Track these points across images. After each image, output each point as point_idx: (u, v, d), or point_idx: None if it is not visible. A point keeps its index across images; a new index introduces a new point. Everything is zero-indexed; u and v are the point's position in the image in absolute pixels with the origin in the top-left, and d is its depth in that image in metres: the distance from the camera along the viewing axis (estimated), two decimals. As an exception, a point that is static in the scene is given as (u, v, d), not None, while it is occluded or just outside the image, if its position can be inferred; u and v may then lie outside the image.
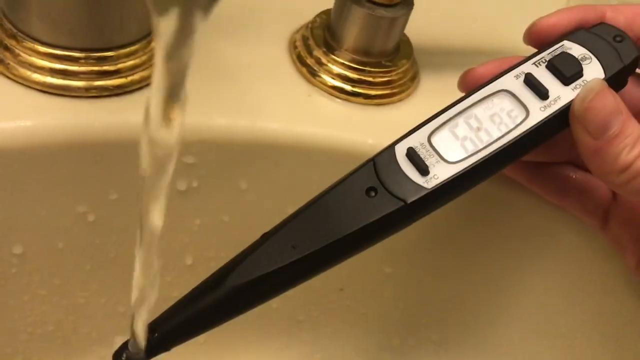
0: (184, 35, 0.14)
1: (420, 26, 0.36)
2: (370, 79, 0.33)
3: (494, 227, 0.35)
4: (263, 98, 0.32)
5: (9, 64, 0.28)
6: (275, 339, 0.40)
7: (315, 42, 0.34)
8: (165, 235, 0.34)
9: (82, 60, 0.29)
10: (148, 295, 0.22)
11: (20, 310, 0.33)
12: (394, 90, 0.34)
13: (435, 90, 0.35)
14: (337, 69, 0.33)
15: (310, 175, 0.33)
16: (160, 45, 0.15)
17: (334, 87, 0.33)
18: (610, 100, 0.24)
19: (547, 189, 0.30)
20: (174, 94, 0.16)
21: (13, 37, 0.28)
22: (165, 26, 0.15)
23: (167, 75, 0.15)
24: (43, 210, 0.30)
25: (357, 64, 0.33)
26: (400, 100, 0.34)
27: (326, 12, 0.35)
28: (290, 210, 0.34)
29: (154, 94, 0.16)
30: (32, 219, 0.30)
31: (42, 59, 0.28)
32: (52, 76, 0.28)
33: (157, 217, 0.18)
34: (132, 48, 0.29)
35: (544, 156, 0.29)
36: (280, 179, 0.33)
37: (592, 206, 0.30)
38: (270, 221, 0.35)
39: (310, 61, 0.34)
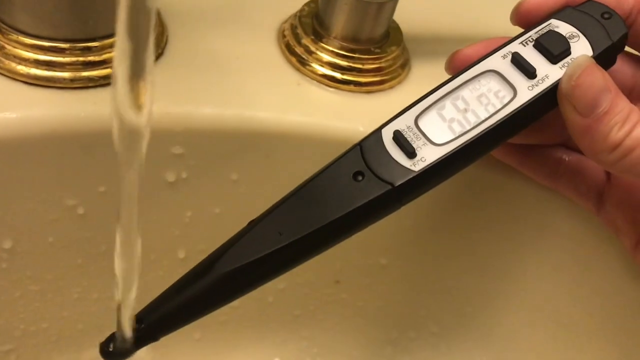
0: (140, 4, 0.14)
1: (410, 13, 0.36)
2: (360, 66, 0.33)
3: (489, 213, 0.34)
4: (252, 88, 0.32)
5: (-6, 56, 0.28)
6: (272, 335, 0.39)
7: (303, 31, 0.34)
8: (157, 229, 0.34)
9: (67, 52, 0.28)
10: (131, 282, 0.22)
11: (13, 306, 0.33)
12: (384, 77, 0.34)
13: (426, 76, 0.35)
14: (326, 57, 0.33)
15: (302, 164, 0.32)
16: (120, 14, 0.14)
17: (324, 76, 0.33)
18: (599, 76, 0.24)
19: (540, 172, 0.30)
20: (138, 70, 0.16)
21: (-2, 29, 0.28)
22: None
23: (130, 45, 0.15)
24: (32, 203, 0.30)
25: (347, 52, 0.33)
26: (390, 87, 0.34)
27: (314, 1, 0.35)
28: (282, 200, 0.34)
29: (119, 70, 0.16)
30: (21, 213, 0.30)
31: (27, 51, 0.28)
32: (38, 68, 0.28)
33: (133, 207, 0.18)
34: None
35: (535, 138, 0.29)
36: (271, 169, 0.33)
37: (586, 188, 0.29)
38: (261, 212, 0.34)
39: (299, 50, 0.33)
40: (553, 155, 0.29)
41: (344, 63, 0.33)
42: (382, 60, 0.34)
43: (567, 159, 0.29)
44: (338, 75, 0.33)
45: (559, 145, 0.29)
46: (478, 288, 0.37)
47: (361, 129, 0.32)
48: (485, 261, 0.36)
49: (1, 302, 0.32)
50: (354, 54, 0.33)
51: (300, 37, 0.34)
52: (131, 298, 0.23)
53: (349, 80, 0.33)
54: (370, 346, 0.40)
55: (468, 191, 0.33)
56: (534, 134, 0.27)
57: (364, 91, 0.33)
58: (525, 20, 0.27)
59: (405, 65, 0.35)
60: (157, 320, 0.23)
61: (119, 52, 0.16)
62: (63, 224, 0.31)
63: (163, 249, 0.34)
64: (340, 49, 0.33)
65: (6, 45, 0.28)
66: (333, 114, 0.32)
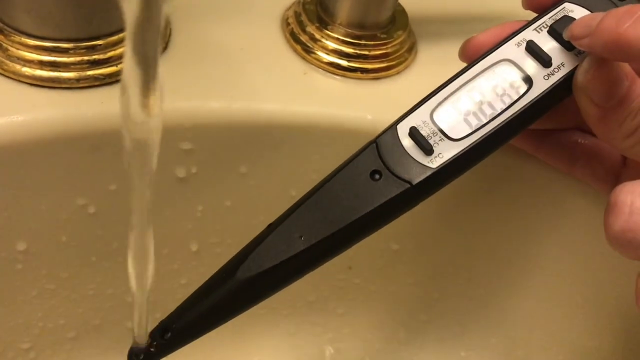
0: (149, 16, 0.13)
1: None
2: (366, 52, 0.33)
3: (501, 197, 0.34)
4: (258, 79, 0.32)
5: (-2, 59, 0.28)
6: (286, 321, 0.40)
7: (308, 18, 0.33)
8: (169, 224, 0.34)
9: (72, 51, 0.28)
10: (145, 287, 0.22)
11: (30, 305, 0.33)
12: (391, 63, 0.33)
13: (433, 60, 0.35)
14: (332, 45, 0.33)
15: (311, 154, 0.32)
16: (127, 29, 0.14)
17: (330, 64, 0.33)
18: (614, 67, 0.23)
19: (556, 157, 0.30)
20: (147, 82, 0.15)
21: (0, 31, 0.28)
22: (129, 7, 0.14)
23: (138, 60, 0.15)
24: (43, 204, 0.30)
25: (352, 38, 0.33)
26: (398, 72, 0.34)
27: (318, -13, 0.34)
28: (293, 191, 0.34)
29: (127, 84, 0.16)
30: (33, 215, 0.30)
31: (31, 52, 0.28)
32: (42, 69, 0.28)
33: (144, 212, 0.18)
34: (121, 35, 0.29)
35: (551, 123, 0.29)
36: (280, 161, 0.33)
37: (602, 171, 0.29)
38: (273, 204, 0.34)
39: (304, 38, 0.33)
40: (568, 139, 0.29)
41: (350, 50, 0.33)
42: (389, 45, 0.33)
43: (582, 142, 0.29)
44: (344, 62, 0.33)
45: (574, 129, 0.29)
46: (490, 271, 0.37)
47: (369, 117, 0.32)
48: (498, 244, 0.36)
49: (19, 302, 0.33)
50: (360, 40, 0.33)
51: (305, 24, 0.33)
52: (145, 299, 0.23)
53: (356, 67, 0.33)
54: (383, 330, 0.40)
55: (480, 176, 0.33)
56: (549, 118, 0.27)
57: (371, 78, 0.33)
58: (537, 4, 0.26)
59: (411, 49, 0.34)
60: (184, 328, 0.23)
61: (129, 59, 0.16)
62: (75, 223, 0.31)
63: (176, 243, 0.34)
64: (346, 35, 0.33)
65: (9, 47, 0.28)
66: (341, 102, 0.32)
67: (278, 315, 0.40)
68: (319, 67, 0.33)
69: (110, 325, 0.35)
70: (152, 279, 0.21)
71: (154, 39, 0.14)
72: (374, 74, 0.33)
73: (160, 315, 0.27)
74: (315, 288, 0.39)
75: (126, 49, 0.14)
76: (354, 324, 0.40)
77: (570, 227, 0.34)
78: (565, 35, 0.24)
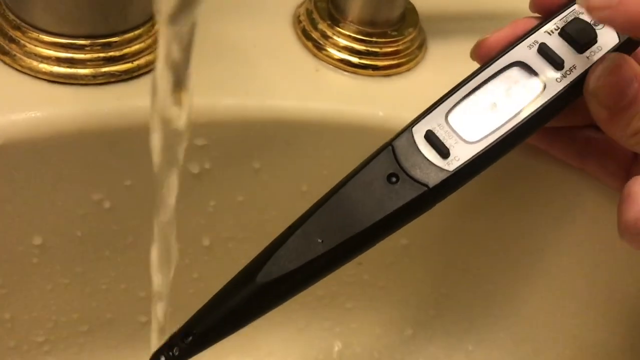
0: (185, 6, 0.14)
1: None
2: (377, 49, 0.33)
3: (512, 193, 0.35)
4: (271, 75, 0.32)
5: (15, 55, 0.28)
6: (296, 315, 0.40)
7: (319, 16, 0.34)
8: (182, 219, 0.34)
9: (88, 48, 0.28)
10: (167, 282, 0.22)
11: (45, 299, 0.34)
12: (402, 60, 0.34)
13: (443, 57, 0.35)
14: (343, 42, 0.33)
15: (322, 150, 0.33)
16: (162, 21, 0.14)
17: (341, 60, 0.33)
18: (625, 72, 0.24)
19: (568, 153, 0.30)
20: (180, 75, 0.16)
21: (17, 28, 0.28)
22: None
23: (171, 54, 0.15)
24: (59, 200, 0.30)
25: (363, 36, 0.33)
26: (408, 69, 0.34)
27: (329, -16, 0.35)
28: (305, 187, 0.34)
29: (160, 77, 0.16)
30: (49, 210, 0.30)
31: (48, 49, 0.28)
32: (59, 65, 0.28)
33: (171, 203, 0.18)
34: (137, 32, 0.29)
35: (564, 121, 0.29)
36: (293, 157, 0.33)
37: (614, 167, 0.29)
38: (285, 199, 0.35)
39: (315, 35, 0.33)
40: (581, 135, 0.29)
41: (361, 47, 0.33)
42: (400, 42, 0.33)
43: (595, 138, 0.29)
44: (355, 59, 0.33)
45: (587, 126, 0.29)
46: (499, 266, 0.37)
47: (381, 113, 0.32)
48: (506, 240, 0.36)
49: (34, 296, 0.33)
50: (371, 37, 0.33)
51: (317, 22, 0.33)
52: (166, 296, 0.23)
53: (367, 64, 0.33)
54: (392, 324, 0.41)
55: (490, 172, 0.33)
56: (562, 116, 0.28)
57: (382, 75, 0.33)
58: (545, 9, 0.26)
59: (422, 46, 0.35)
60: (204, 332, 0.23)
61: (162, 55, 0.16)
62: (90, 218, 0.31)
63: (188, 238, 0.35)
64: (357, 33, 0.33)
65: (27, 44, 0.28)
66: (352, 99, 0.32)
67: (287, 309, 0.39)
68: (330, 64, 0.33)
69: (123, 319, 0.36)
70: (173, 273, 0.21)
71: (190, 30, 0.15)
72: (385, 71, 0.33)
73: (172, 309, 0.27)
74: (324, 283, 0.38)
75: (160, 46, 0.15)
76: (363, 318, 0.40)
77: (579, 224, 0.34)
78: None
